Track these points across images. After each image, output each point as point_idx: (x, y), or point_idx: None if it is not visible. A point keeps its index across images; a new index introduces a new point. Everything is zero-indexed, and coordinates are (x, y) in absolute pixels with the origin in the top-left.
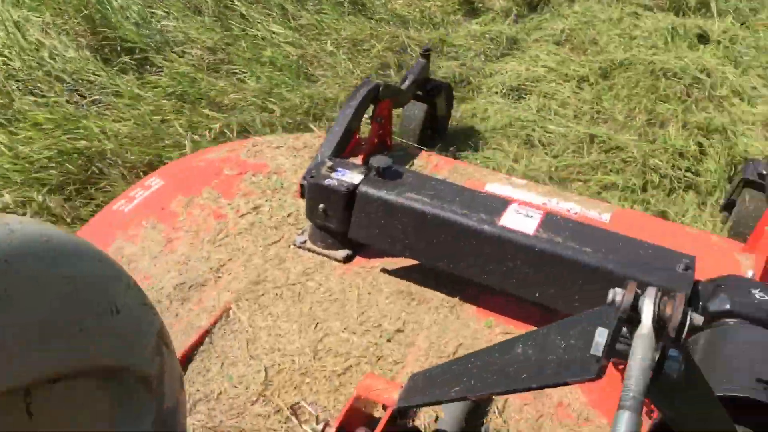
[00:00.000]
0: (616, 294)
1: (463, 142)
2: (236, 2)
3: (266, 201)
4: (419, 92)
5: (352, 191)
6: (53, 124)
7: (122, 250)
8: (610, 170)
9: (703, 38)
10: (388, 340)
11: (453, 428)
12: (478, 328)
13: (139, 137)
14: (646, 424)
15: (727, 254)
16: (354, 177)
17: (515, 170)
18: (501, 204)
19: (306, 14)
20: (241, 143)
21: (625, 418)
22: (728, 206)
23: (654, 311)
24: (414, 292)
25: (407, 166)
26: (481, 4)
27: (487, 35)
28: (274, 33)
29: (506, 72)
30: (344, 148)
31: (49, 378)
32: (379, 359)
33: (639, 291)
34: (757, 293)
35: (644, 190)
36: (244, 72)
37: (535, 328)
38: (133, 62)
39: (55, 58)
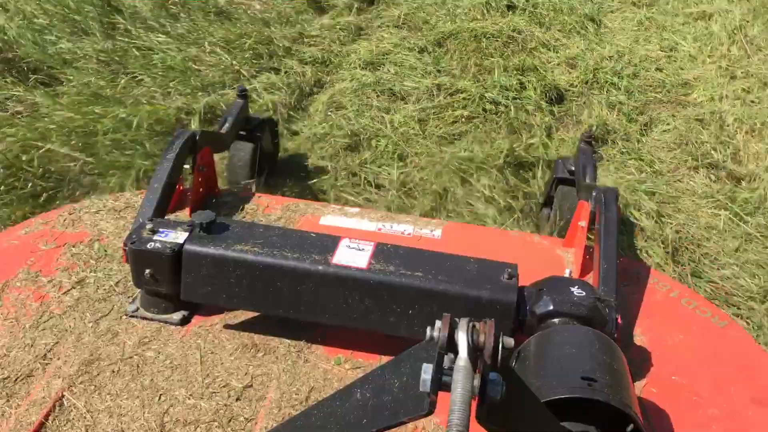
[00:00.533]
0: (434, 330)
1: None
2: (120, 20)
3: (90, 272)
4: (242, 132)
5: (177, 252)
6: None
7: None
8: (457, 107)
9: (511, 7)
10: (238, 399)
11: None
12: (328, 368)
13: None
14: None
15: (550, 252)
16: (178, 236)
17: (392, 119)
18: (332, 241)
19: (181, 24)
20: (55, 212)
21: None
22: (547, 203)
23: (468, 342)
24: (259, 344)
25: (238, 211)
26: (326, 3)
27: (337, 26)
28: (158, 42)
29: (360, 51)
30: (166, 205)
31: None
32: (230, 420)
33: (456, 320)
34: (575, 290)
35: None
36: (141, 74)
37: (382, 356)
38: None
39: None
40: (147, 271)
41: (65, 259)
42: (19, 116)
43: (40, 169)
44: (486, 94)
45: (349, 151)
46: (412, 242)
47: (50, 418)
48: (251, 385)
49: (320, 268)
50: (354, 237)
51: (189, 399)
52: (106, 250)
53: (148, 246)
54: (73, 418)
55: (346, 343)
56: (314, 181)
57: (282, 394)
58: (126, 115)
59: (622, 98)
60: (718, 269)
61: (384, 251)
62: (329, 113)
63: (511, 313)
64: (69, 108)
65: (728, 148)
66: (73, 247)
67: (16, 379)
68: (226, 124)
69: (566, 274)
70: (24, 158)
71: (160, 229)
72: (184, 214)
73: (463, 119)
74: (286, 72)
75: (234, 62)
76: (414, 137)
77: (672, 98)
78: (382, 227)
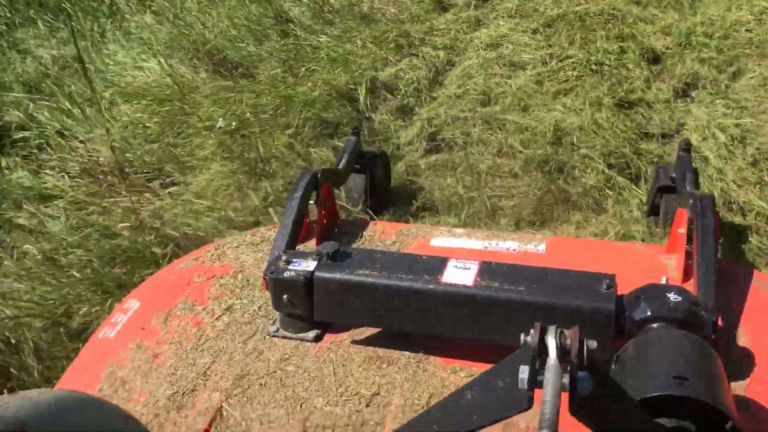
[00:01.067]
0: (528, 336)
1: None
2: (291, 27)
3: (236, 299)
4: (357, 165)
5: (309, 279)
6: None
7: (115, 374)
8: (567, 69)
9: None
10: (367, 405)
11: None
12: (445, 376)
13: None
14: None
15: (653, 259)
16: (309, 265)
17: (514, 82)
18: (441, 262)
19: (335, 27)
20: (204, 249)
21: None
22: (652, 211)
23: (557, 345)
24: (383, 356)
25: (358, 238)
26: (448, 3)
27: (460, 20)
28: (321, 41)
29: (481, 36)
30: (297, 238)
31: None
32: (362, 424)
33: (546, 328)
34: (672, 296)
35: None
36: (314, 66)
37: (492, 365)
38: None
39: None
40: (284, 296)
41: (215, 290)
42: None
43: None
44: (591, 58)
45: (481, 106)
46: (517, 258)
47: (213, 425)
48: (378, 393)
49: (431, 286)
50: (462, 256)
51: (326, 406)
52: (248, 280)
53: (284, 275)
54: (232, 426)
55: (461, 353)
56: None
57: (405, 400)
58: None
59: (713, 54)
60: None
61: (488, 269)
62: (463, 80)
63: (610, 321)
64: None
65: None
66: (221, 278)
67: (183, 393)
68: (342, 161)
69: (663, 281)
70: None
71: (294, 260)
72: (311, 244)
73: (573, 78)
74: (423, 57)
75: (381, 52)
76: (534, 94)
77: (759, 53)
78: (488, 245)
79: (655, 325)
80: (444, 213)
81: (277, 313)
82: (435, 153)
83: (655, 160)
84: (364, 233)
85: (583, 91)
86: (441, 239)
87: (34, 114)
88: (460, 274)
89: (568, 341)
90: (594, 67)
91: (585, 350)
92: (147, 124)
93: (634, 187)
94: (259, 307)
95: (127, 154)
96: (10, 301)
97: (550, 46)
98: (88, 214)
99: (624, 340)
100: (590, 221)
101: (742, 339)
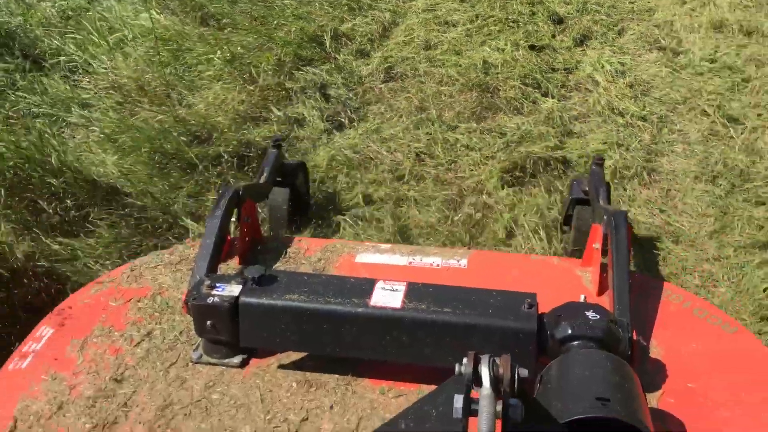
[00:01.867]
0: (462, 366)
1: None
2: None
3: (156, 324)
4: (278, 179)
5: (234, 304)
6: None
7: (29, 408)
8: (490, 25)
9: None
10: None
11: None
12: (374, 397)
13: None
14: None
15: (569, 273)
16: (233, 289)
17: (449, 35)
18: (369, 285)
19: None
20: (119, 270)
21: None
22: (567, 221)
23: (490, 374)
24: (311, 379)
25: (282, 256)
26: None
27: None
28: (286, 4)
29: (419, 3)
30: (218, 258)
31: None
32: None
33: (480, 357)
34: (590, 314)
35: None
36: (282, 22)
37: (421, 385)
38: None
39: None
40: (208, 322)
41: (133, 314)
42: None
43: None
44: (508, 17)
45: (424, 50)
46: (440, 273)
47: None
48: (307, 418)
49: (360, 310)
50: (387, 272)
51: None
52: (168, 303)
53: (208, 300)
54: None
55: (389, 374)
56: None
57: (335, 424)
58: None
59: (603, 17)
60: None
61: (415, 290)
62: (407, 33)
63: (532, 340)
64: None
65: (673, 39)
66: (138, 301)
67: (104, 427)
68: (264, 175)
69: (581, 299)
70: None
71: (217, 284)
72: (234, 263)
73: (495, 31)
74: (372, 17)
75: (337, 12)
76: (465, 42)
77: (639, 17)
78: (412, 260)
79: (575, 344)
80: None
81: (200, 338)
82: (391, 81)
83: (562, 93)
84: (289, 250)
85: (504, 37)
86: (366, 255)
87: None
88: (387, 297)
89: (501, 370)
90: (511, 24)
91: (516, 378)
92: (153, 58)
93: (543, 97)
94: (181, 332)
95: (146, 76)
96: None
97: (474, 8)
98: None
99: (547, 357)
100: (513, 119)
101: (654, 351)
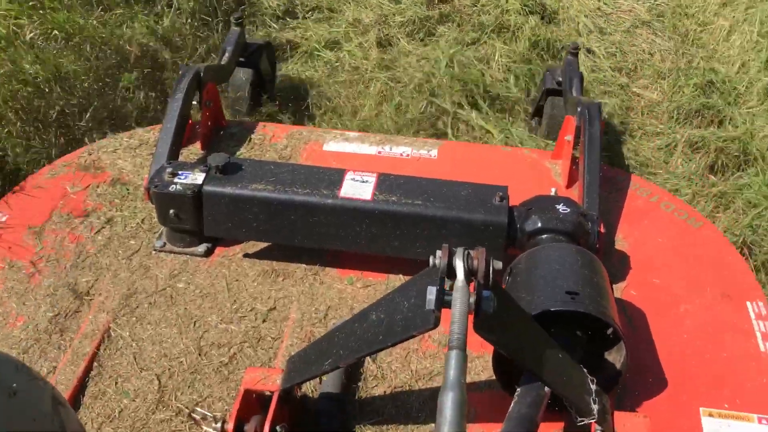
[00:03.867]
0: (436, 258)
1: None
2: None
3: (117, 211)
4: (241, 59)
5: (198, 193)
6: None
7: None
8: None
9: None
10: (264, 321)
11: (336, 386)
12: (342, 287)
13: None
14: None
15: (539, 165)
16: (197, 177)
17: None
18: (338, 175)
19: None
20: (75, 154)
21: (454, 355)
22: (537, 113)
23: (464, 267)
24: (278, 269)
25: (246, 142)
26: None
27: None
28: None
29: None
30: (180, 143)
31: None
32: (259, 341)
33: (454, 250)
34: (561, 208)
35: None
36: None
37: (389, 275)
38: None
39: None
40: (171, 211)
41: (92, 200)
42: None
43: None
44: None
45: None
46: (410, 163)
47: (101, 348)
48: (275, 308)
49: (329, 201)
50: (356, 162)
51: (221, 324)
52: (128, 189)
53: (170, 189)
54: (122, 347)
55: (356, 264)
56: None
57: (303, 314)
58: None
59: None
60: None
61: (386, 182)
62: None
63: (502, 233)
64: None
65: None
66: (97, 187)
67: (66, 315)
68: (226, 55)
69: (552, 192)
70: None
71: (179, 172)
72: (195, 147)
73: None
74: None
75: None
76: None
77: None
78: (381, 150)
79: (544, 236)
80: None
81: (163, 227)
82: None
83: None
84: (253, 137)
85: None
86: (334, 144)
87: None
88: (357, 188)
89: (475, 262)
90: None
91: (491, 271)
92: None
93: None
94: (143, 219)
95: None
96: None
97: None
98: None
99: (516, 249)
100: None
101: (620, 244)
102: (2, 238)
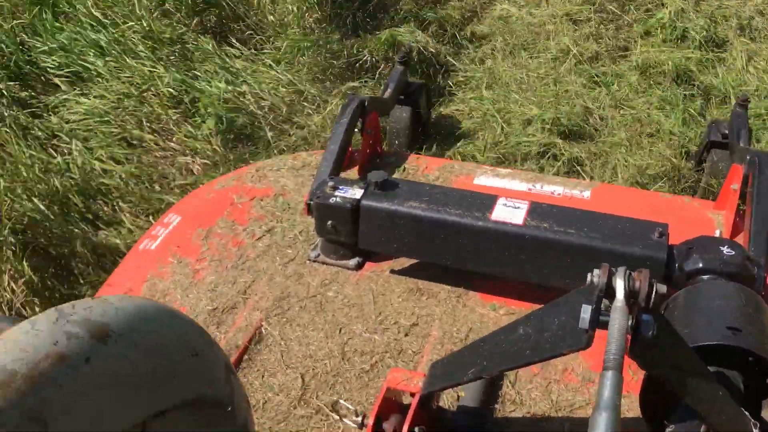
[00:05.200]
0: (594, 276)
1: None
2: None
3: (277, 222)
4: (401, 96)
5: (356, 206)
6: None
7: (155, 286)
8: None
9: None
10: (406, 335)
11: (474, 402)
12: (485, 312)
13: None
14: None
15: (700, 214)
16: (355, 192)
17: None
18: (490, 200)
19: None
20: (244, 170)
21: (610, 375)
22: (699, 164)
23: (625, 287)
24: (423, 288)
25: (400, 172)
26: None
27: None
28: None
29: None
30: (341, 165)
31: (156, 413)
32: (400, 353)
33: (613, 270)
34: (725, 250)
35: None
36: None
37: (533, 304)
38: None
39: None
40: (329, 222)
41: (255, 211)
42: None
43: None
44: None
45: None
46: (561, 202)
47: (252, 342)
48: (417, 324)
49: (480, 223)
50: (506, 195)
51: (365, 333)
52: (289, 204)
53: (330, 201)
54: (271, 344)
55: (500, 291)
56: None
57: (444, 333)
58: None
59: None
60: None
61: (538, 209)
62: None
63: (660, 270)
64: None
65: None
66: (261, 200)
67: (223, 310)
68: (389, 90)
69: (716, 235)
70: None
71: (340, 186)
72: (353, 173)
73: None
74: None
75: None
76: None
77: None
78: (532, 188)
79: (705, 277)
80: None
81: (319, 238)
82: None
83: None
84: (407, 167)
85: None
86: (485, 178)
87: None
88: (509, 213)
89: (637, 284)
90: None
91: (654, 294)
92: None
93: None
94: (300, 231)
95: None
96: None
97: None
98: None
99: (672, 290)
100: None
101: None
102: (174, 237)
